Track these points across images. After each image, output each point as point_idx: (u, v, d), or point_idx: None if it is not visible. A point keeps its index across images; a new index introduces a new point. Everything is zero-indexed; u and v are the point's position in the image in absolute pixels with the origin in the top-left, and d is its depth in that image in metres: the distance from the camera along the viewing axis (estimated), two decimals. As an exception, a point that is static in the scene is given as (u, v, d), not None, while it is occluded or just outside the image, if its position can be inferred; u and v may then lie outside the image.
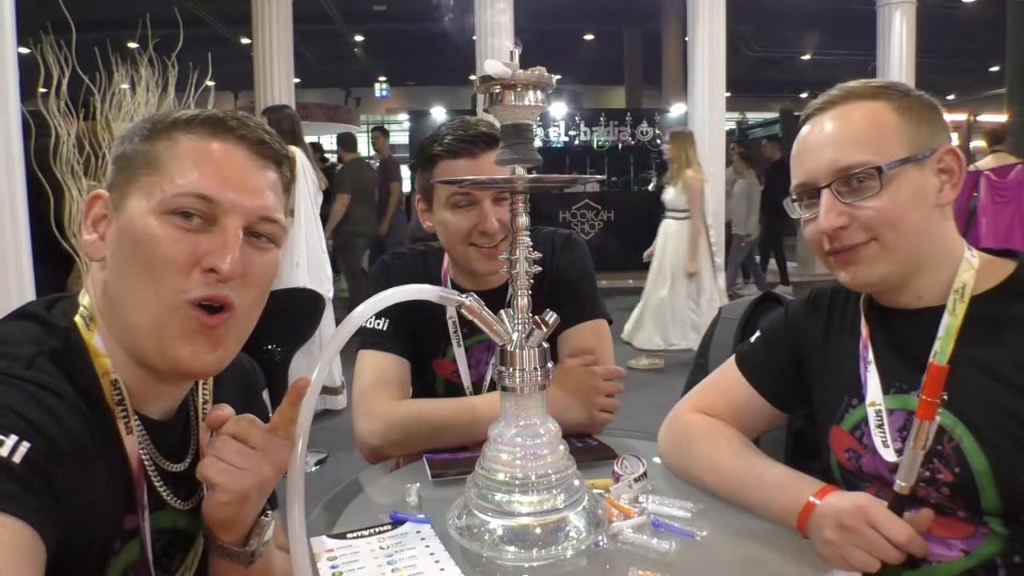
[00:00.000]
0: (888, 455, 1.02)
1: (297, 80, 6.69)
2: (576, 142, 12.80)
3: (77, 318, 0.83)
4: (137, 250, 0.80)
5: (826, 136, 1.04)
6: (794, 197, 1.10)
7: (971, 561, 0.97)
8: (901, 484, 0.90)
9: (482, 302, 0.96)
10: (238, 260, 0.81)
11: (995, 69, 15.62)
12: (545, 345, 0.98)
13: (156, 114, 0.86)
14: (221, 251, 0.80)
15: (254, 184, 0.84)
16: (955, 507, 0.97)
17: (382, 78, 18.93)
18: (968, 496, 0.95)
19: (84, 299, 0.85)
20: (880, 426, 1.04)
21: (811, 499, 0.98)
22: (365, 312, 0.91)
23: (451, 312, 1.49)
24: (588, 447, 1.36)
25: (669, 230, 5.62)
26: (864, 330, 1.11)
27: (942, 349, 0.99)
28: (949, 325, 1.00)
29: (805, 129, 1.09)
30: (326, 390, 4.47)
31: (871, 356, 1.08)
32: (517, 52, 0.91)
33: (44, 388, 0.73)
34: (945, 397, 0.86)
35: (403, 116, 18.42)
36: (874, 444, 1.04)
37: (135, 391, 0.84)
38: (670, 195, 5.53)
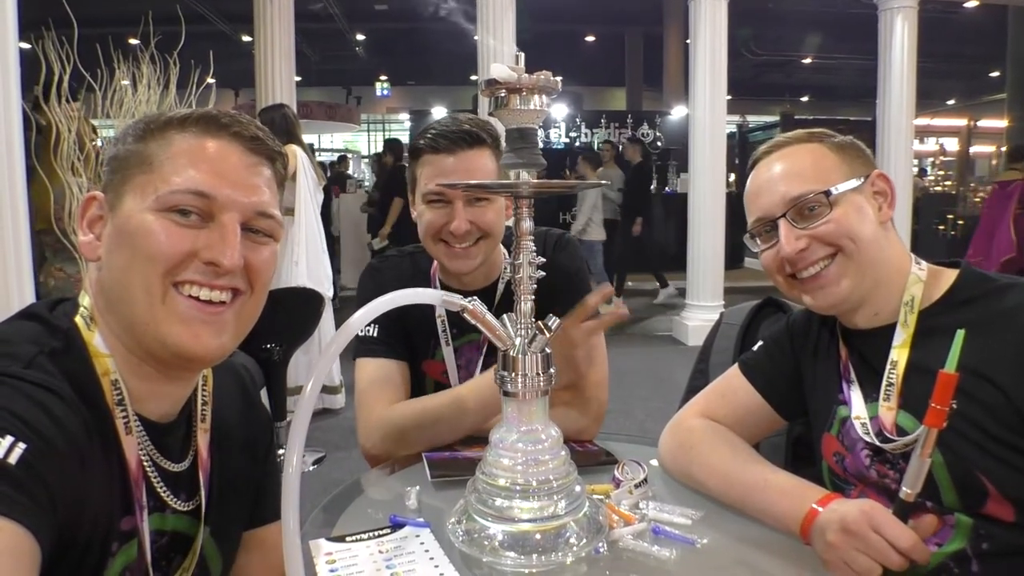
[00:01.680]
0: (873, 442, 1.08)
1: (298, 78, 6.68)
2: (577, 143, 12.80)
3: (78, 318, 0.83)
4: (133, 245, 0.80)
5: (776, 174, 1.15)
6: (752, 232, 1.20)
7: (943, 554, 1.01)
8: (907, 491, 0.90)
9: (485, 306, 0.96)
10: (239, 254, 0.82)
11: (996, 74, 15.63)
12: (548, 350, 0.98)
13: (149, 114, 0.86)
14: (221, 246, 0.81)
15: (250, 180, 0.85)
16: (922, 501, 1.00)
17: (383, 77, 18.91)
18: (930, 492, 1.00)
19: (84, 300, 0.86)
20: (866, 433, 1.10)
21: (814, 506, 0.98)
22: (364, 317, 0.90)
23: (440, 311, 1.49)
24: (588, 452, 1.35)
25: None
26: (843, 352, 1.18)
27: (899, 357, 1.08)
28: (902, 336, 1.09)
29: (755, 172, 1.19)
30: (325, 389, 4.47)
31: (853, 376, 1.16)
32: (522, 56, 0.91)
33: (43, 388, 0.73)
34: (954, 405, 0.86)
35: (404, 116, 18.44)
36: (853, 442, 1.12)
37: (136, 391, 0.84)
38: None
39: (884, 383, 1.08)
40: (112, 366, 0.82)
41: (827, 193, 1.10)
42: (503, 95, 0.90)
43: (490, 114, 0.95)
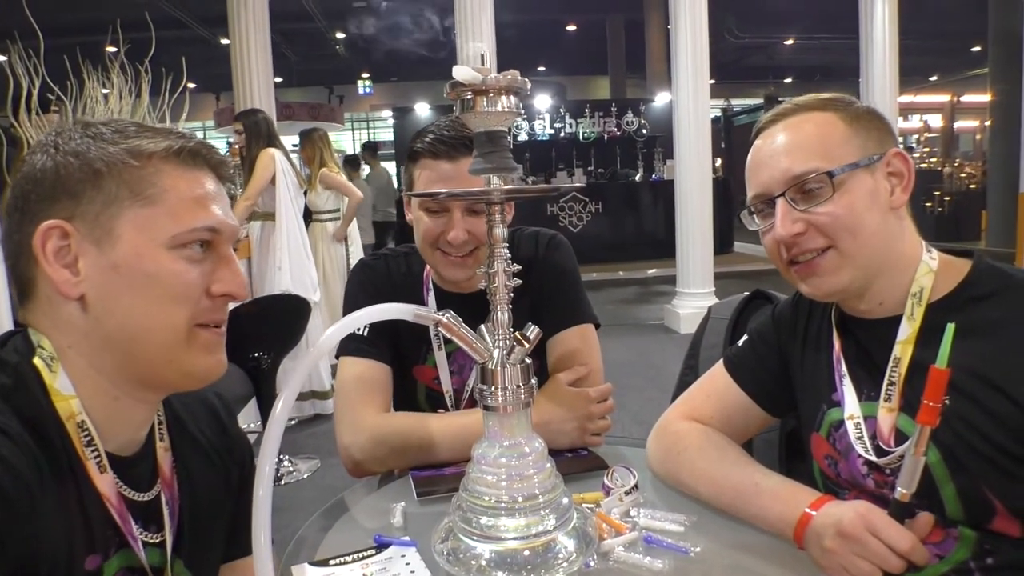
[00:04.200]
0: (868, 458, 1.02)
1: (279, 79, 6.62)
2: (562, 134, 12.77)
3: (37, 360, 0.78)
4: (149, 285, 0.79)
5: (778, 147, 1.06)
6: (751, 209, 1.11)
7: (946, 565, 0.97)
8: (902, 491, 0.87)
9: (460, 320, 0.92)
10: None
11: (977, 49, 15.64)
12: (527, 361, 0.94)
13: (106, 138, 0.80)
14: (231, 278, 0.84)
15: (228, 206, 0.87)
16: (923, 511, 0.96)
17: (365, 75, 18.80)
18: (934, 506, 0.95)
19: (42, 341, 0.80)
20: (860, 437, 1.04)
21: (807, 510, 0.95)
22: (338, 333, 0.87)
23: None
24: (578, 457, 1.32)
25: (323, 234, 5.12)
26: (836, 343, 1.11)
27: (903, 354, 1.00)
28: (908, 331, 1.01)
29: (758, 142, 1.10)
30: (315, 395, 4.43)
31: (844, 370, 1.09)
32: (487, 55, 0.87)
33: None
34: (947, 401, 0.83)
35: (387, 113, 18.36)
36: (847, 449, 1.05)
37: (104, 428, 0.80)
38: (314, 198, 5.07)
39: (885, 382, 1.01)
40: (77, 407, 0.78)
41: (830, 174, 1.00)
42: (469, 97, 0.86)
43: (456, 117, 0.91)
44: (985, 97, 10.70)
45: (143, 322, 0.79)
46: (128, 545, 0.83)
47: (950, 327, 0.82)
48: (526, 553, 0.92)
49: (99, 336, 0.79)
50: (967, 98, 17.91)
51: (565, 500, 0.97)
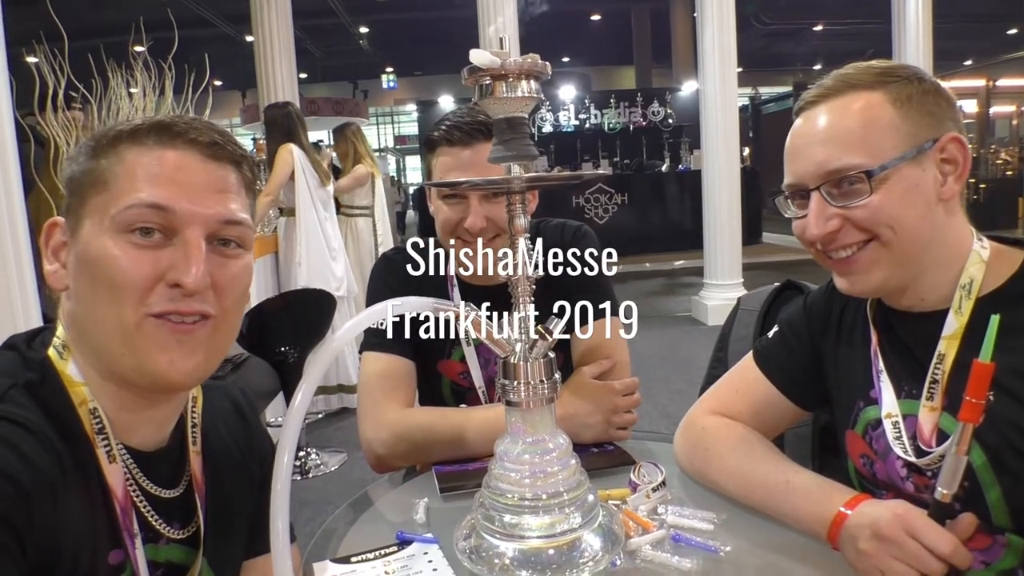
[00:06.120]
0: (908, 459, 0.97)
1: (304, 75, 6.64)
2: (587, 125, 12.70)
3: (50, 349, 0.80)
4: (95, 274, 0.76)
5: (818, 133, 0.98)
6: (786, 194, 1.04)
7: (992, 573, 0.92)
8: (943, 492, 0.83)
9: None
10: (204, 272, 0.76)
11: (1013, 31, 15.26)
12: (551, 355, 0.92)
13: (100, 128, 0.81)
14: (184, 264, 0.76)
15: (212, 189, 0.80)
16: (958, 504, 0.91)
17: (389, 69, 18.86)
18: (977, 510, 0.89)
19: (59, 329, 0.82)
20: (898, 437, 0.98)
21: (841, 509, 0.91)
22: (357, 327, 0.85)
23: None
24: (604, 452, 1.29)
25: (350, 229, 5.04)
26: (874, 337, 1.05)
27: (948, 350, 0.94)
28: (954, 326, 0.94)
29: (798, 122, 1.02)
30: (343, 388, 4.44)
31: (882, 365, 1.03)
32: (507, 38, 0.84)
33: (10, 422, 0.70)
34: (991, 397, 0.79)
35: (411, 107, 18.40)
36: (885, 450, 1.00)
37: (118, 421, 0.80)
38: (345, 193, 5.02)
39: (928, 379, 0.95)
40: (88, 394, 0.78)
41: (869, 173, 0.92)
42: (488, 82, 0.83)
43: (474, 104, 0.88)
44: (1022, 81, 10.40)
45: (94, 311, 0.77)
46: (155, 541, 0.82)
47: (994, 319, 0.77)
48: (550, 552, 0.90)
49: (76, 328, 0.79)
50: (1003, 82, 17.45)
51: (591, 497, 0.94)
